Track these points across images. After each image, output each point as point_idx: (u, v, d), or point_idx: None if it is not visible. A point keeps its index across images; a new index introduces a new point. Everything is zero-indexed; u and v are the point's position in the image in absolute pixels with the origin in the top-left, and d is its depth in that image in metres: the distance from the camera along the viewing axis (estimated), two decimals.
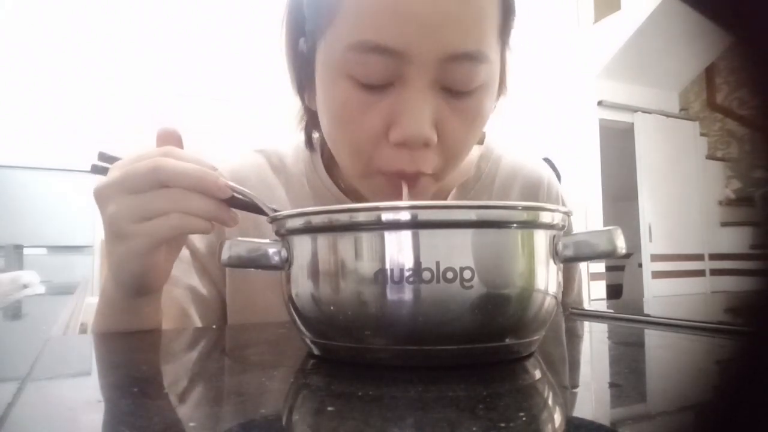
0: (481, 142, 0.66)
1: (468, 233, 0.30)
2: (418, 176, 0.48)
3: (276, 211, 0.38)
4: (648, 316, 0.61)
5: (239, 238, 0.37)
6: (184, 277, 0.58)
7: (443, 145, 0.47)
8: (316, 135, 0.62)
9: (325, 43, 0.47)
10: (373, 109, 0.46)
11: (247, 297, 0.59)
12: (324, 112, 0.50)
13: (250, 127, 4.04)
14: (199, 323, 0.57)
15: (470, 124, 0.48)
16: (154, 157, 0.40)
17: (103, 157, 0.44)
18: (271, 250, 0.35)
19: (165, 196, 0.39)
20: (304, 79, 0.53)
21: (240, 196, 0.42)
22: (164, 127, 0.44)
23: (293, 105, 0.60)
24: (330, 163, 0.61)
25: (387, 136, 0.46)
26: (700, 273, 3.70)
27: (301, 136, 0.63)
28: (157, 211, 0.40)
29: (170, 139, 0.44)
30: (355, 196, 0.59)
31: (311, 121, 0.59)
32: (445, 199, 0.62)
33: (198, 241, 0.59)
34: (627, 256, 3.51)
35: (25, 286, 1.57)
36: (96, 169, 0.44)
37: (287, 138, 0.65)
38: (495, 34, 0.47)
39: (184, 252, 0.58)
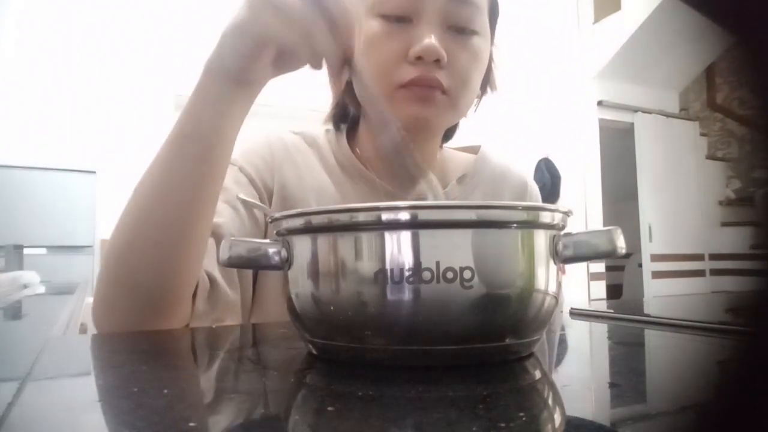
0: (475, 152, 0.78)
1: (468, 233, 0.30)
2: (434, 91, 0.60)
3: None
4: (648, 316, 0.61)
5: (239, 238, 0.37)
6: (240, 194, 0.62)
7: (452, 68, 0.60)
8: (342, 126, 0.74)
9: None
10: (395, 37, 0.60)
11: (269, 292, 0.62)
12: (360, 50, 0.60)
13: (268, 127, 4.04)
14: (248, 225, 0.61)
15: (472, 59, 0.62)
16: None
17: None
18: (271, 250, 0.35)
19: (313, 29, 0.43)
20: None
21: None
22: None
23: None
24: (351, 143, 0.72)
25: (406, 57, 0.59)
26: (700, 273, 3.70)
27: (328, 126, 0.75)
28: (294, 22, 0.43)
29: None
30: (371, 165, 0.69)
31: (347, 94, 0.66)
32: (446, 188, 0.70)
33: (255, 175, 0.65)
34: (627, 256, 3.51)
35: (25, 286, 1.57)
36: None
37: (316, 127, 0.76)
38: (486, 4, 0.63)
39: (243, 179, 0.64)
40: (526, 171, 0.81)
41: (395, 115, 0.58)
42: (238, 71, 0.47)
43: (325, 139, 0.72)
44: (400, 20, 0.60)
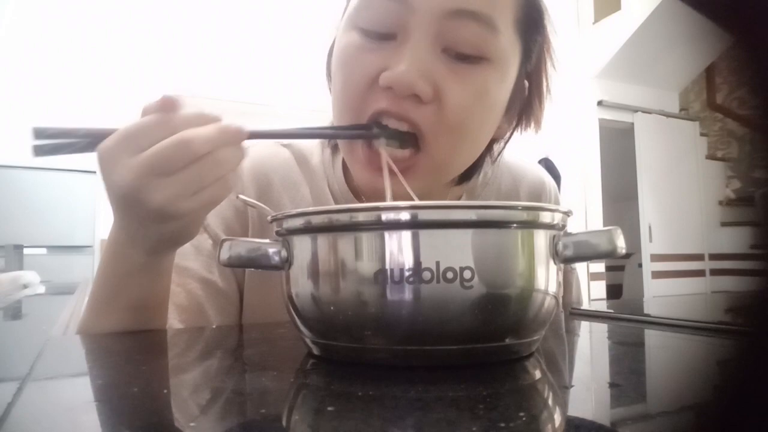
0: None
1: (468, 233, 0.30)
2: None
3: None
4: (648, 316, 0.61)
5: (239, 238, 0.37)
6: (202, 270, 0.57)
7: (441, 106, 0.47)
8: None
9: (349, 5, 0.51)
10: (371, 54, 0.48)
11: (264, 294, 0.58)
12: (332, 69, 0.53)
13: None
14: (215, 319, 0.56)
15: (473, 96, 0.48)
16: (166, 134, 0.38)
17: (41, 133, 0.39)
18: (271, 250, 0.35)
19: (212, 164, 0.39)
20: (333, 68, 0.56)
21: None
22: (167, 95, 0.41)
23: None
24: (347, 167, 0.61)
25: (378, 83, 0.47)
26: (700, 273, 3.70)
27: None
28: (210, 180, 0.39)
29: (173, 107, 0.40)
30: (367, 197, 0.60)
31: None
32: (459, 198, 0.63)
33: (222, 232, 0.59)
34: (627, 256, 3.51)
35: (25, 286, 1.57)
36: (41, 150, 0.39)
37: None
38: (509, 17, 0.48)
39: (206, 243, 0.58)
40: (540, 169, 0.72)
41: (355, 162, 0.51)
42: (174, 245, 0.45)
43: (320, 158, 0.63)
44: (383, 37, 0.48)
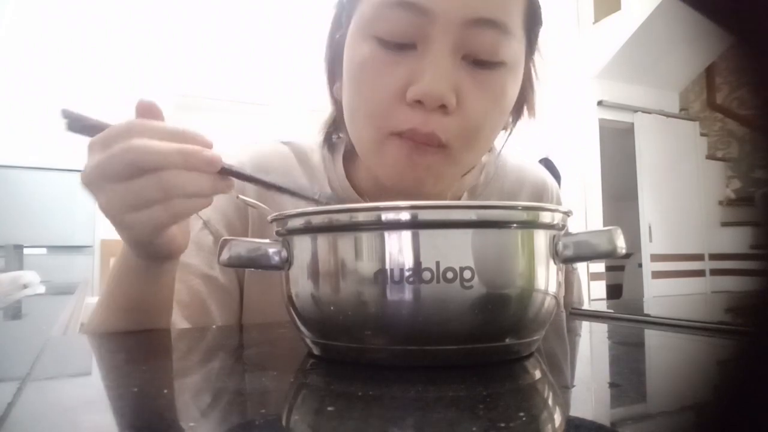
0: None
1: (468, 233, 0.30)
2: (426, 149, 0.47)
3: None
4: (648, 316, 0.61)
5: (239, 238, 0.37)
6: (203, 267, 0.56)
7: (462, 114, 0.47)
8: (335, 137, 0.63)
9: (357, 11, 0.49)
10: (393, 68, 0.47)
11: (264, 294, 0.58)
12: (347, 78, 0.51)
13: (269, 131, 4.05)
14: (217, 315, 0.56)
15: (492, 101, 0.48)
16: (125, 140, 0.37)
17: (69, 115, 0.39)
18: (271, 250, 0.35)
19: (154, 184, 0.37)
20: (335, 69, 0.55)
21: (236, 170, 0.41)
22: (144, 99, 0.40)
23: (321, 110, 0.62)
24: (348, 165, 0.61)
25: (404, 96, 0.46)
26: (700, 273, 3.70)
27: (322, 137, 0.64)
28: (149, 200, 0.37)
29: (151, 113, 0.40)
30: (369, 196, 0.60)
31: (338, 115, 0.59)
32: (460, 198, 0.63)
33: (223, 228, 0.58)
34: (627, 256, 3.50)
35: (25, 286, 1.57)
36: (73, 127, 0.39)
37: (311, 136, 0.65)
38: (520, 19, 0.49)
39: (207, 239, 0.57)
40: (541, 169, 0.73)
41: (383, 165, 0.50)
42: (158, 254, 0.44)
43: (319, 155, 0.62)
44: (402, 47, 0.47)
